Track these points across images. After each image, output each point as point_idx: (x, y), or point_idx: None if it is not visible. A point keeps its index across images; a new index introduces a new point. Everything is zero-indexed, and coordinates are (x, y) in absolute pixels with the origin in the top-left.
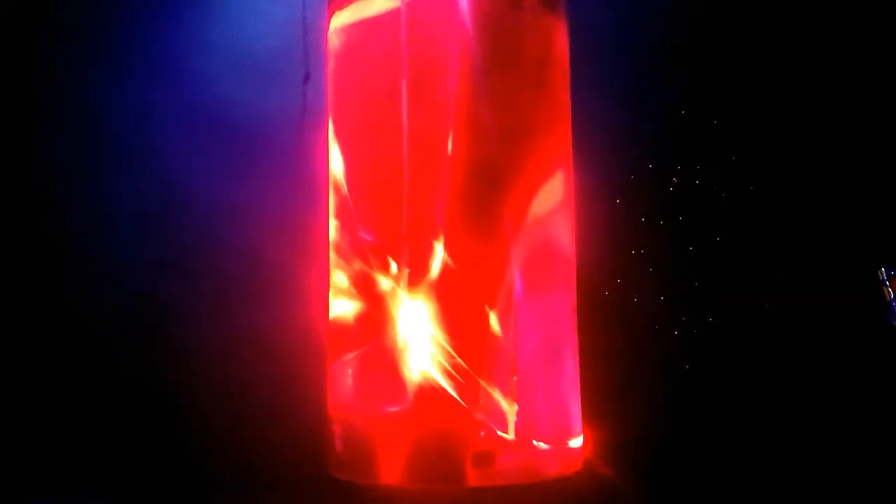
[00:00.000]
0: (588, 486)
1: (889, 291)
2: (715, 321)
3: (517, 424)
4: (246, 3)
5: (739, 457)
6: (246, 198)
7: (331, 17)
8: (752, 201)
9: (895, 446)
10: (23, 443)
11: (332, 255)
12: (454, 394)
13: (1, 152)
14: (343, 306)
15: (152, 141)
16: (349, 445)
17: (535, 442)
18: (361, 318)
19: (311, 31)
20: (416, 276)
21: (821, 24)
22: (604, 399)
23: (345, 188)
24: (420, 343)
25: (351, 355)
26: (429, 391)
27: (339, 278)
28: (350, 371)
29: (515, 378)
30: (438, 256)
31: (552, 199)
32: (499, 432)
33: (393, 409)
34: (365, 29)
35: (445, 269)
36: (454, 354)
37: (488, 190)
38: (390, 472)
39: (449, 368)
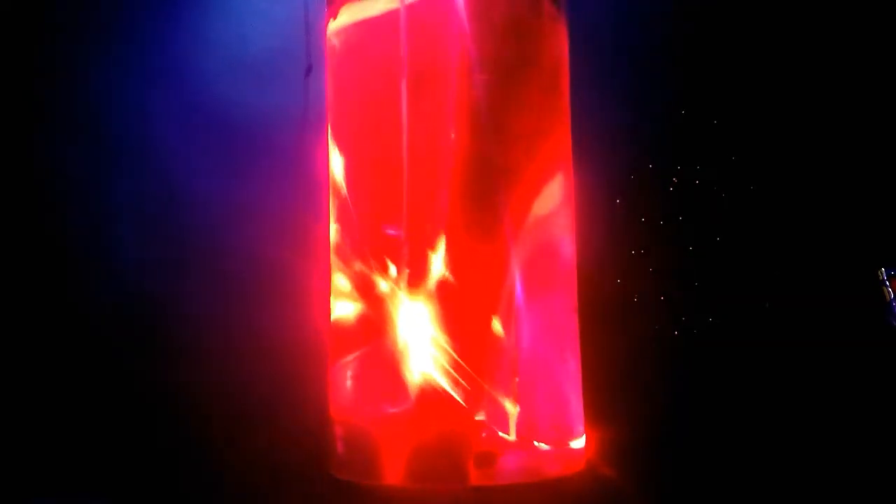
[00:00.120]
0: (590, 486)
1: (889, 291)
2: (715, 321)
3: (519, 425)
4: (246, 3)
5: (740, 457)
6: (246, 198)
7: (331, 17)
8: (752, 201)
9: (895, 446)
10: (23, 443)
11: (333, 256)
12: (455, 395)
13: (1, 152)
14: (344, 308)
15: (152, 141)
16: (350, 446)
17: (536, 443)
18: (362, 320)
19: (312, 29)
20: (416, 278)
21: (821, 24)
22: (605, 399)
23: (344, 190)
24: (421, 344)
25: (352, 357)
26: (430, 392)
27: (340, 280)
28: (351, 372)
29: (517, 379)
30: (439, 257)
31: (552, 200)
32: (500, 433)
33: (394, 410)
34: (365, 30)
35: (446, 270)
36: (455, 356)
37: (489, 191)
38: (392, 472)
39: (450, 370)
